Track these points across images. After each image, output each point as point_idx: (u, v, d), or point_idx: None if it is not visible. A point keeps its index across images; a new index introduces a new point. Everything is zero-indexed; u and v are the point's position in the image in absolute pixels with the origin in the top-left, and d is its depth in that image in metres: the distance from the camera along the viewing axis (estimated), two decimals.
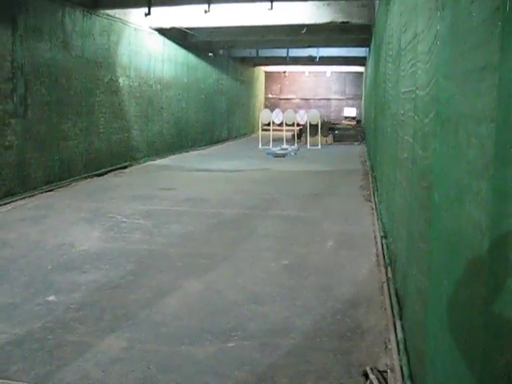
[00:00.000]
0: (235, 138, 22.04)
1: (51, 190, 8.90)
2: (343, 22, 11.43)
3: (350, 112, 27.87)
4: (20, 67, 8.28)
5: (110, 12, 11.00)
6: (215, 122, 19.48)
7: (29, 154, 8.60)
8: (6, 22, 7.95)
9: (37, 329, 3.62)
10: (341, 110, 28.64)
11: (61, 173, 9.53)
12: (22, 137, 8.42)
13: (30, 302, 4.10)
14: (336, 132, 20.51)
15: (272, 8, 10.10)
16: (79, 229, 6.37)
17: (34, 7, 8.58)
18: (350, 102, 28.94)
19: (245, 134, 23.75)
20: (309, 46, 18.61)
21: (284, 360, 3.25)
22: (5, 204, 7.68)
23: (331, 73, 28.80)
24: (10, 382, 2.93)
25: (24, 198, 8.17)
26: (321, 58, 20.54)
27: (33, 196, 8.37)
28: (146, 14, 10.96)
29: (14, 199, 7.97)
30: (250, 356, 3.29)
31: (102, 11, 10.66)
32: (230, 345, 3.44)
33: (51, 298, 4.20)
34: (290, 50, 20.60)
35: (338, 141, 19.87)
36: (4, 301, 4.11)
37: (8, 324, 3.69)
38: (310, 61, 21.26)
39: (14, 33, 8.12)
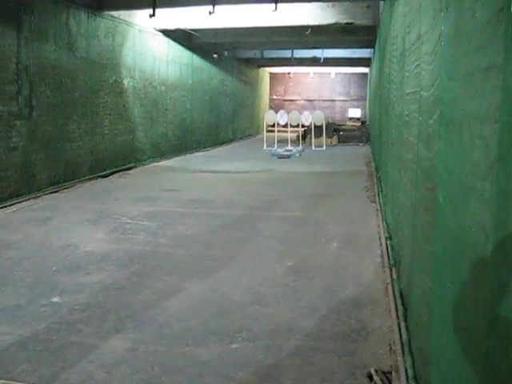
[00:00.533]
0: (240, 139, 22.05)
1: (56, 192, 8.93)
2: (348, 23, 11.42)
3: (355, 113, 27.85)
4: (25, 69, 8.32)
5: (115, 13, 11.05)
6: (220, 124, 19.50)
7: (34, 155, 8.64)
8: (11, 24, 7.98)
9: (41, 330, 3.63)
10: (345, 111, 28.62)
11: (66, 174, 9.56)
12: (27, 138, 8.45)
13: (34, 303, 4.11)
14: (341, 133, 20.50)
15: (276, 9, 10.09)
16: (84, 230, 6.39)
17: (39, 9, 8.61)
18: (354, 103, 28.92)
19: (249, 136, 23.76)
20: (313, 47, 18.60)
21: (288, 361, 3.24)
22: (10, 205, 7.71)
23: (336, 74, 28.79)
24: (14, 382, 2.94)
25: (29, 199, 8.20)
26: (325, 59, 20.53)
27: (38, 197, 8.40)
28: (151, 16, 10.98)
29: (19, 200, 8.00)
30: (254, 357, 3.29)
31: (106, 13, 10.71)
32: (234, 346, 3.44)
33: (56, 299, 4.20)
34: (295, 51, 20.61)
35: (342, 142, 19.87)
36: (9, 302, 4.12)
37: (13, 325, 3.70)
38: (315, 62, 21.25)
39: (19, 34, 8.15)
